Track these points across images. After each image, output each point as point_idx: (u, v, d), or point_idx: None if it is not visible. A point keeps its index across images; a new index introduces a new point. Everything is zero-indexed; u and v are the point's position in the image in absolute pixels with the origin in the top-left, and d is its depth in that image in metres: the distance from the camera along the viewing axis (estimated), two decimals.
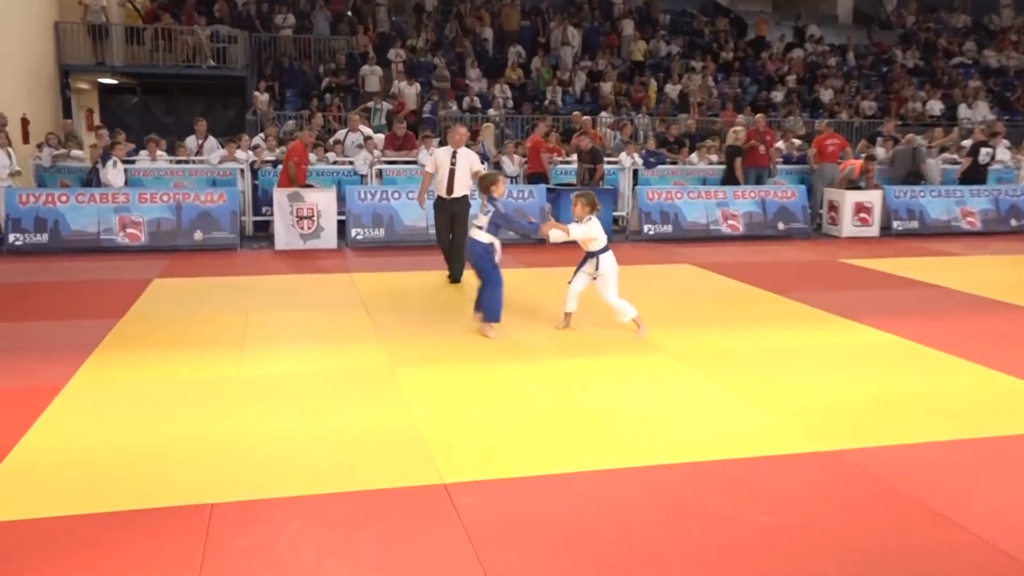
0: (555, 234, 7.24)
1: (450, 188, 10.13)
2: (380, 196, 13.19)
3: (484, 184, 7.62)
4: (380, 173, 14.51)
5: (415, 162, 14.61)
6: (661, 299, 9.46)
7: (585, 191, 7.73)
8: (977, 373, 6.68)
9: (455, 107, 20.13)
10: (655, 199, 14.25)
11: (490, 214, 7.43)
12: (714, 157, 16.27)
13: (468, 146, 10.42)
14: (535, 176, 14.59)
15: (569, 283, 7.74)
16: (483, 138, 15.57)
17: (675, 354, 7.09)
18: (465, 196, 10.21)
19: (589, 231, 7.33)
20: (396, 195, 13.24)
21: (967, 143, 16.87)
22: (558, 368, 6.64)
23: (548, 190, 13.79)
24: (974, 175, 16.01)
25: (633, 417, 5.58)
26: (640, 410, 5.71)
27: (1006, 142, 18.47)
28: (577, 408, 5.74)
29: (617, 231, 14.74)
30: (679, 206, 14.27)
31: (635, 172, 15.70)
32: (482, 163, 15.13)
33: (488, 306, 7.44)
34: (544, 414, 5.60)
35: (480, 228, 7.48)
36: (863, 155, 15.40)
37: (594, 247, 7.45)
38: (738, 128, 16.01)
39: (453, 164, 10.13)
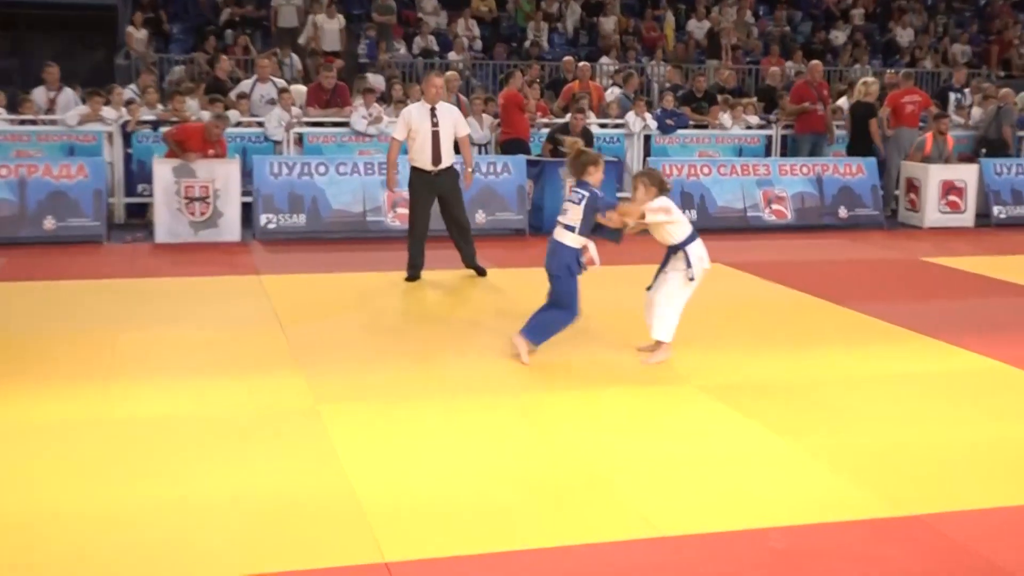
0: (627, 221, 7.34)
1: (436, 157, 10.20)
2: (300, 170, 13.16)
3: (578, 164, 7.44)
4: (300, 139, 14.49)
5: (348, 124, 14.60)
6: (684, 312, 9.50)
7: (646, 169, 7.75)
8: None
9: (403, 49, 20.14)
10: (674, 176, 14.33)
11: (583, 203, 7.33)
12: (753, 119, 16.41)
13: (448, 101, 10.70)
14: (512, 143, 14.64)
15: (648, 289, 7.81)
16: (449, 90, 15.56)
17: (706, 387, 7.10)
18: (452, 167, 10.33)
19: (666, 206, 7.38)
20: (322, 169, 13.22)
21: None
22: (546, 405, 6.63)
23: (529, 163, 13.82)
24: None
25: (648, 472, 5.56)
26: (658, 462, 5.69)
27: None
28: (570, 459, 5.72)
29: None
30: (706, 185, 14.38)
31: (647, 139, 15.78)
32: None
33: (540, 325, 7.52)
34: (524, 467, 5.58)
35: (569, 228, 7.41)
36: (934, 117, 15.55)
37: (677, 237, 7.52)
38: (870, 80, 16.13)
39: (435, 125, 10.22)
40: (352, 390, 6.87)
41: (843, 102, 17.52)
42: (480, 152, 14.97)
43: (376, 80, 17.00)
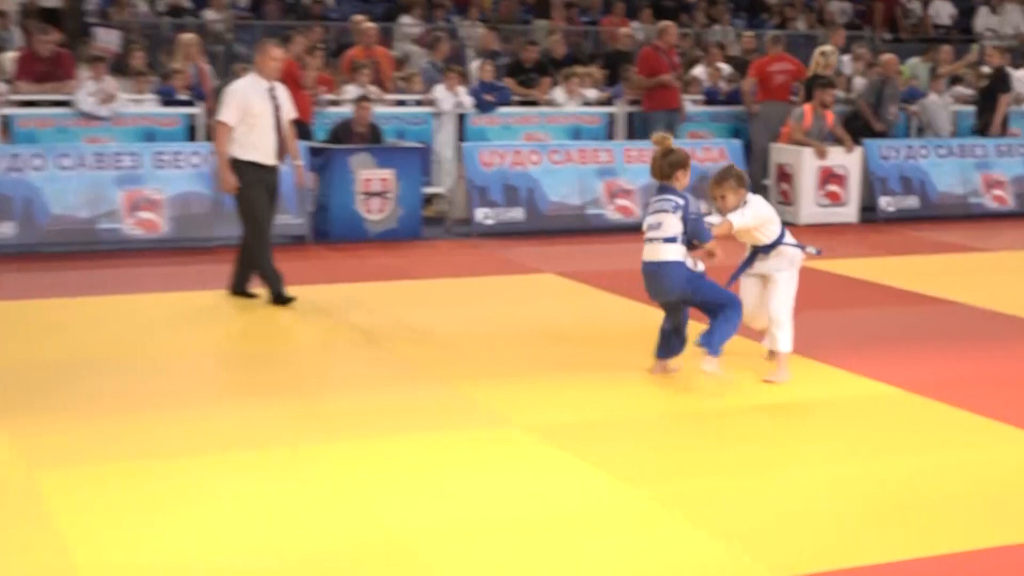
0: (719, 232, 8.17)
1: (280, 151, 10.34)
2: (8, 164, 12.75)
3: (665, 165, 8.09)
4: (6, 123, 14.05)
5: (69, 104, 14.23)
6: (496, 333, 9.65)
7: (727, 167, 8.45)
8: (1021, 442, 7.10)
9: (144, 6, 19.73)
10: (496, 164, 14.44)
11: (679, 213, 7.91)
12: (592, 93, 16.68)
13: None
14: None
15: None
16: (187, 57, 15.32)
17: (532, 427, 7.15)
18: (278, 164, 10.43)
19: (759, 213, 8.23)
20: (38, 162, 12.84)
21: (988, 70, 18.03)
22: (331, 457, 6.58)
23: (311, 152, 13.71)
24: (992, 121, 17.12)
25: (462, 539, 5.55)
26: (475, 526, 5.69)
27: None
28: (361, 524, 5.67)
29: (432, 221, 14.84)
30: (535, 177, 14.56)
31: (460, 119, 15.86)
32: (199, 100, 15.04)
33: (721, 336, 8.05)
34: (301, 538, 5.50)
35: (670, 240, 7.95)
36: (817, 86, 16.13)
37: (773, 235, 8.34)
38: (828, 49, 16.60)
39: (277, 107, 10.30)
40: (81, 450, 6.66)
41: (700, 71, 18.01)
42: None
43: (108, 40, 16.50)
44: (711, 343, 7.99)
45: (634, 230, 14.47)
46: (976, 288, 11.47)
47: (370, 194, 13.66)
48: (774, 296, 8.33)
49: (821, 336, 9.49)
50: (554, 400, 7.75)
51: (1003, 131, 17.08)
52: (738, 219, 8.15)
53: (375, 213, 13.67)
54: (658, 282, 8.07)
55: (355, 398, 7.74)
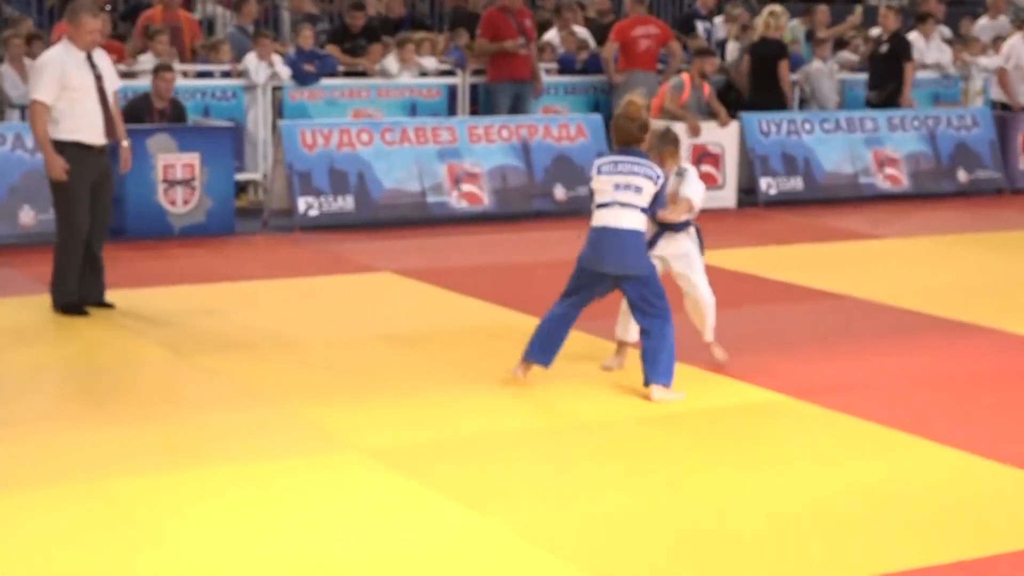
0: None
1: (109, 128, 10.26)
2: None
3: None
4: None
5: None
6: (327, 342, 9.68)
7: (665, 129, 8.87)
8: (920, 452, 7.34)
9: None
10: (319, 146, 14.40)
11: (660, 184, 8.20)
12: (430, 62, 16.72)
13: None
14: None
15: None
16: None
17: (374, 452, 7.19)
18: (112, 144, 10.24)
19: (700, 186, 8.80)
20: None
21: (877, 32, 18.53)
22: (146, 492, 6.55)
23: None
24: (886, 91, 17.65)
25: None
26: (313, 568, 5.75)
27: (944, 30, 20.52)
28: (186, 571, 5.68)
29: (246, 213, 14.76)
30: (366, 159, 14.53)
31: (275, 93, 15.78)
32: None
33: (667, 360, 8.15)
34: None
35: (641, 210, 8.17)
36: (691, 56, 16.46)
37: (694, 212, 8.77)
38: (777, 9, 16.88)
39: (100, 80, 10.21)
40: None
41: (552, 35, 18.17)
42: (23, 117, 14.56)
43: None
44: (662, 373, 8.10)
45: (481, 220, 14.68)
46: (868, 280, 11.82)
47: (172, 183, 13.51)
48: (702, 278, 8.72)
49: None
50: (397, 418, 7.79)
51: (886, 100, 17.49)
52: (697, 196, 8.55)
53: (179, 205, 13.54)
54: (618, 252, 8.11)
55: (169, 423, 7.71)
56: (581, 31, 18.27)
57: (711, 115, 15.87)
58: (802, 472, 7.01)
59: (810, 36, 19.13)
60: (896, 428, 7.63)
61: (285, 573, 5.69)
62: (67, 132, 10.05)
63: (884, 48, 17.70)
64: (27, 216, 12.94)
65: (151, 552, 5.88)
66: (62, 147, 10.01)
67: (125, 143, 10.58)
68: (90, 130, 10.14)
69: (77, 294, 10.28)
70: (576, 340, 9.58)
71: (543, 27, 18.50)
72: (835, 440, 7.56)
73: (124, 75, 15.00)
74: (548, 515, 6.37)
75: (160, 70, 13.98)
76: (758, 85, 16.87)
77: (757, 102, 16.71)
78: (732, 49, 18.28)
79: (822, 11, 19.72)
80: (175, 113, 13.98)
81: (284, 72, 15.69)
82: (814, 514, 6.38)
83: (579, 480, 6.89)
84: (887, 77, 17.59)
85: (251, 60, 15.64)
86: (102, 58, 10.33)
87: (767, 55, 16.80)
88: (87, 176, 10.13)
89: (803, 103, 18.09)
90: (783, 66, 16.76)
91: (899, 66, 17.41)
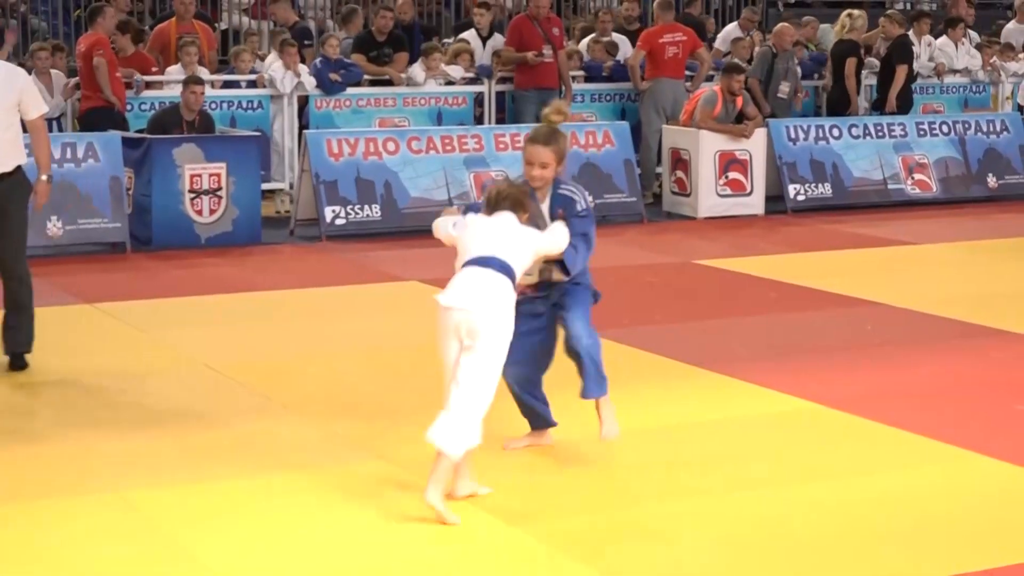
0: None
1: (10, 152, 8.91)
2: None
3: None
4: None
5: None
6: (353, 352, 9.69)
7: (505, 186, 7.00)
8: (954, 461, 7.28)
9: None
10: (346, 156, 14.39)
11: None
12: (457, 70, 16.69)
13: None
14: (98, 114, 14.46)
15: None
16: None
17: (403, 462, 7.18)
18: (18, 171, 9.05)
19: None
20: None
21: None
22: (163, 501, 6.54)
23: (127, 143, 13.56)
24: (910, 96, 17.58)
25: None
26: None
27: (973, 35, 20.42)
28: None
29: (273, 223, 14.77)
30: (392, 169, 14.52)
31: (303, 103, 15.79)
32: None
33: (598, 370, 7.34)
34: None
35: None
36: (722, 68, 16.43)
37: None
38: (855, 12, 17.08)
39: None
40: None
41: (584, 44, 18.13)
42: (50, 128, 14.57)
43: None
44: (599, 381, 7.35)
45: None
46: (898, 287, 11.78)
47: (199, 192, 13.54)
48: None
49: (729, 347, 9.65)
50: (423, 428, 7.74)
51: (899, 106, 17.47)
52: (561, 235, 6.94)
53: (206, 215, 13.56)
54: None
55: (196, 434, 7.71)
56: (619, 38, 18.10)
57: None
58: (837, 482, 6.94)
59: None
60: (929, 437, 7.57)
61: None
62: None
63: (884, 53, 17.79)
64: (54, 227, 12.95)
65: (178, 563, 5.88)
66: None
67: (43, 176, 9.19)
68: None
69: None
70: (609, 349, 9.53)
71: (583, 34, 18.42)
72: (869, 449, 7.50)
73: (150, 85, 15.12)
74: (580, 525, 6.35)
75: (190, 83, 13.98)
76: (836, 85, 17.33)
77: (834, 106, 17.27)
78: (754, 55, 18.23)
79: (846, 18, 19.64)
80: (204, 125, 14.00)
81: (309, 82, 15.69)
82: (850, 524, 6.33)
83: (612, 490, 6.87)
84: (885, 82, 17.63)
85: (275, 68, 15.64)
86: (17, 77, 9.12)
87: (842, 55, 17.14)
88: None
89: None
90: (849, 64, 17.02)
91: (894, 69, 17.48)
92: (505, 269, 6.52)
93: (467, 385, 6.42)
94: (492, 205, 6.76)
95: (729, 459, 7.34)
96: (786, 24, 17.79)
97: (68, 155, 13.22)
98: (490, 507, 6.51)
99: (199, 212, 13.52)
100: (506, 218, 6.70)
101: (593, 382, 7.21)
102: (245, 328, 10.33)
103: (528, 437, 7.49)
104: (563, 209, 7.01)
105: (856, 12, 17.41)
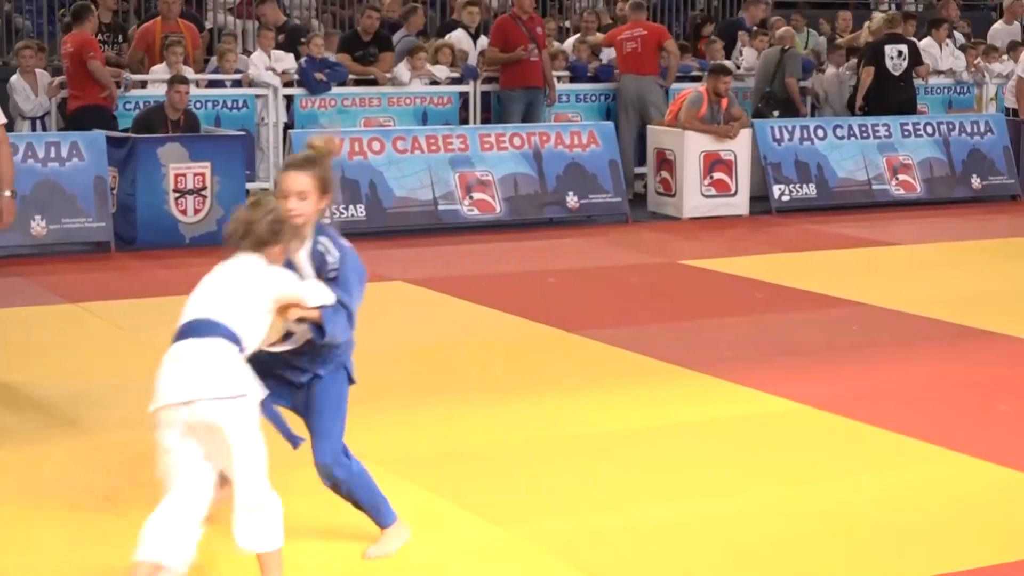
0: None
1: None
2: None
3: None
4: None
5: None
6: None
7: (249, 213, 5.44)
8: (939, 462, 7.28)
9: None
10: (335, 160, 14.37)
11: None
12: (442, 70, 16.68)
13: None
14: (85, 113, 14.40)
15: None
16: None
17: (386, 461, 7.12)
18: None
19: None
20: None
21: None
22: None
23: (111, 142, 13.53)
24: (897, 96, 17.59)
25: None
26: None
27: (958, 36, 20.45)
28: None
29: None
30: (377, 168, 14.49)
31: (289, 101, 15.79)
32: None
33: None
34: None
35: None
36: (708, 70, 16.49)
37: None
38: (878, 14, 17.57)
39: None
40: None
41: (569, 44, 18.15)
42: (34, 127, 14.56)
43: None
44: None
45: (493, 228, 14.65)
46: (882, 287, 11.76)
47: (183, 192, 13.50)
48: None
49: (714, 347, 9.65)
50: (410, 428, 7.76)
51: (879, 106, 17.54)
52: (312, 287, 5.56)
53: (190, 214, 13.53)
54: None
55: None
56: (598, 38, 18.07)
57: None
58: (821, 482, 6.95)
59: (830, 42, 19.18)
60: (914, 437, 7.56)
61: None
62: None
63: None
64: (38, 226, 12.91)
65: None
66: None
67: (7, 192, 8.51)
68: None
69: None
70: (594, 350, 9.60)
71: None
72: (854, 449, 7.49)
73: (135, 85, 15.09)
74: (566, 526, 6.34)
75: (175, 82, 13.96)
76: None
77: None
78: (749, 56, 18.22)
79: (843, 17, 19.73)
80: (189, 124, 13.96)
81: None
82: (835, 524, 6.34)
83: (598, 491, 6.85)
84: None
85: (257, 63, 15.73)
86: None
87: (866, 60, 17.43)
88: None
89: (815, 110, 18.08)
90: (866, 75, 17.36)
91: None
92: (221, 332, 5.19)
93: (242, 484, 5.23)
94: (229, 242, 5.45)
95: (714, 460, 7.33)
96: (789, 28, 18.22)
97: (52, 154, 13.17)
98: (475, 507, 6.51)
99: (184, 212, 13.49)
100: (243, 260, 5.36)
101: (376, 514, 6.02)
102: None
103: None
104: (317, 270, 5.60)
105: (879, 14, 17.65)
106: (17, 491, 6.74)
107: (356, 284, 5.69)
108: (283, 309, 5.37)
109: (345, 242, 5.73)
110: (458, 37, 17.42)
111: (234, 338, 5.14)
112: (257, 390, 5.19)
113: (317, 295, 5.42)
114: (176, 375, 5.14)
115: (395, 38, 17.22)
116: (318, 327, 5.53)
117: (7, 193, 8.48)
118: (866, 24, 18.12)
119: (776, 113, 17.23)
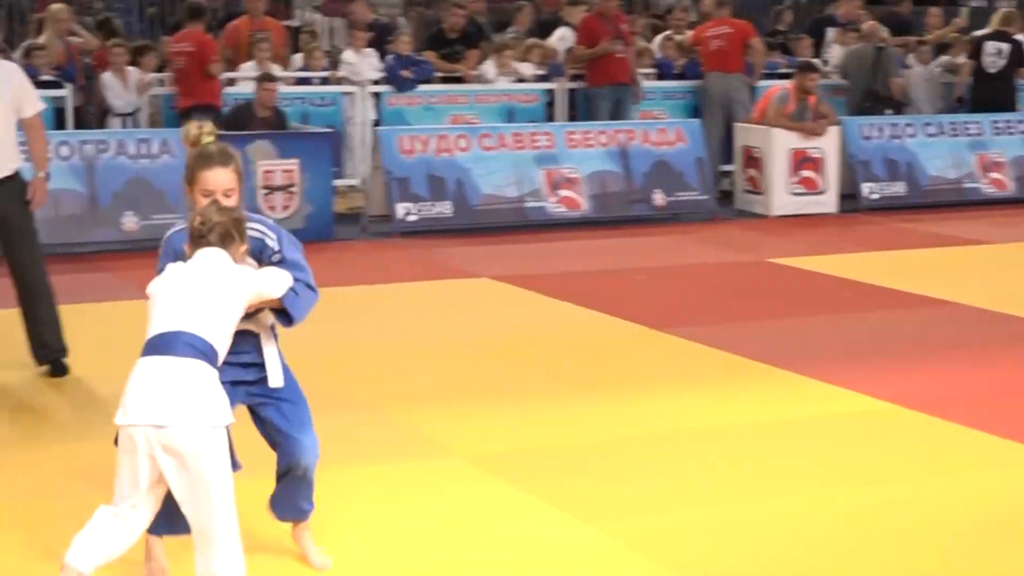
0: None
1: (8, 152, 8.57)
2: None
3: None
4: None
5: None
6: (426, 347, 9.69)
7: (211, 211, 5.28)
8: None
9: None
10: (418, 152, 14.44)
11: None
12: (528, 68, 16.70)
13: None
14: (198, 112, 14.48)
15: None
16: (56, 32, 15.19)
17: (476, 457, 7.19)
18: (15, 175, 8.71)
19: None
20: None
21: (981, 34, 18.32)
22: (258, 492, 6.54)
23: None
24: (992, 93, 17.43)
25: None
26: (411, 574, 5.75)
27: None
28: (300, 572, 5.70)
29: (345, 219, 14.81)
30: (463, 166, 14.54)
31: (376, 98, 15.85)
32: (68, 81, 14.85)
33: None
34: None
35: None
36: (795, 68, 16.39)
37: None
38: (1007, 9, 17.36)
39: None
40: None
41: (656, 41, 18.10)
42: (124, 124, 14.71)
43: None
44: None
45: (579, 225, 14.66)
46: (974, 286, 11.65)
47: (272, 188, 13.62)
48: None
49: (804, 346, 9.61)
50: (498, 425, 7.78)
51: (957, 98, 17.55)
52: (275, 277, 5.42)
53: (278, 210, 13.61)
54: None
55: None
56: (684, 35, 18.02)
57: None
58: (913, 481, 6.89)
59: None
60: (1006, 438, 7.49)
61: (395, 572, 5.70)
62: None
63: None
64: (130, 222, 13.07)
65: (254, 557, 5.89)
66: None
67: (40, 173, 8.74)
68: None
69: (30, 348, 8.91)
70: (682, 348, 9.58)
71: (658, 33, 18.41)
72: (946, 450, 7.44)
73: (230, 83, 15.21)
74: (655, 524, 6.33)
75: (263, 80, 14.08)
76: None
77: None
78: (836, 52, 18.10)
79: (933, 13, 19.54)
80: (278, 122, 14.07)
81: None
82: (925, 524, 6.29)
83: (683, 488, 6.83)
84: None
85: (351, 58, 15.86)
86: (9, 74, 8.74)
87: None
88: None
89: (901, 107, 17.92)
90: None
91: None
92: (198, 350, 4.92)
93: (210, 527, 4.97)
94: (195, 241, 5.17)
95: (803, 458, 7.29)
96: (874, 22, 18.02)
97: (143, 151, 13.34)
98: (563, 504, 6.52)
99: (272, 208, 13.56)
100: (211, 260, 5.11)
101: (306, 501, 5.84)
102: (317, 324, 10.29)
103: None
104: (258, 256, 5.41)
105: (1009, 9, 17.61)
106: (80, 484, 6.80)
107: (303, 259, 5.52)
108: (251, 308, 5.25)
109: (269, 220, 5.61)
110: (562, 35, 17.40)
111: (211, 355, 4.92)
112: (230, 417, 4.99)
113: (280, 284, 5.29)
114: (151, 394, 4.84)
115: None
116: (284, 315, 5.41)
117: (41, 174, 8.76)
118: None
119: (889, 111, 17.10)
